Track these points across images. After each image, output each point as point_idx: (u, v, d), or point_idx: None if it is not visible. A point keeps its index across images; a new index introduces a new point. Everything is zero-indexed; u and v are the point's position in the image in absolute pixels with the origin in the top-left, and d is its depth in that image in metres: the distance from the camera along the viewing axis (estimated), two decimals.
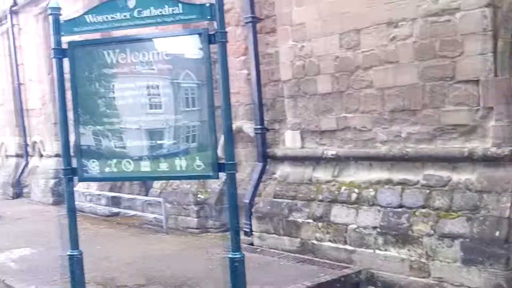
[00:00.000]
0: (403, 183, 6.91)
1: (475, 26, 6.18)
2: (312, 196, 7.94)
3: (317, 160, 8.11)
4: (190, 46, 5.44)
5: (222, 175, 5.40)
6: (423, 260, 6.44)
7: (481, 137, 6.32)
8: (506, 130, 6.12)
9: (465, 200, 6.26)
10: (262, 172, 9.05)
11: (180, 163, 5.49)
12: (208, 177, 5.71)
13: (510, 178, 6.04)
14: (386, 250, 6.83)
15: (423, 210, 6.57)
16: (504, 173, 6.09)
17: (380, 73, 7.21)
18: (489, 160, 6.20)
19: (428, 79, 6.69)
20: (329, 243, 7.56)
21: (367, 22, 7.24)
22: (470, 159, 6.33)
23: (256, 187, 9.01)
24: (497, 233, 5.87)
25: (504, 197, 6.00)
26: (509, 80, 6.13)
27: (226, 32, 5.25)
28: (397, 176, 7.02)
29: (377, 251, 6.93)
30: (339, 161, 7.81)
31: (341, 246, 7.39)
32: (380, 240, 6.89)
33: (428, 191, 6.63)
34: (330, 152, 7.88)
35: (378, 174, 7.25)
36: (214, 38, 5.20)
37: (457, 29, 6.35)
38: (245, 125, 9.67)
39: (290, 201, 8.22)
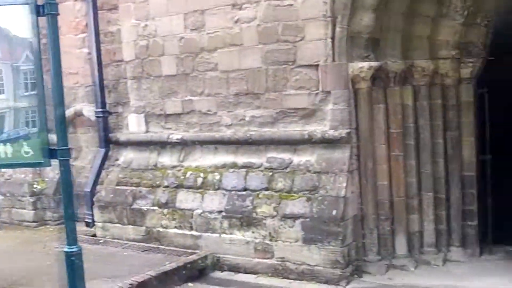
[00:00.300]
0: (248, 166, 6.94)
1: (316, 11, 6.33)
2: (157, 182, 7.65)
3: (162, 145, 7.83)
4: (20, 20, 4.81)
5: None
6: (266, 241, 6.53)
7: (320, 120, 6.54)
8: (343, 113, 6.39)
9: (305, 181, 6.46)
10: (105, 158, 8.53)
11: (6, 150, 4.86)
12: (39, 164, 5.19)
13: (346, 159, 6.34)
14: (231, 233, 6.82)
15: (266, 192, 6.66)
16: (341, 155, 6.38)
17: (224, 56, 7.12)
18: (327, 142, 6.44)
19: (271, 63, 6.74)
20: (175, 230, 7.35)
21: (211, 2, 7.09)
22: (310, 142, 6.53)
23: (98, 174, 8.47)
24: (334, 212, 6.14)
25: (341, 177, 6.28)
26: (346, 65, 6.40)
27: (56, 4, 4.71)
28: (241, 159, 7.02)
29: (223, 235, 6.88)
30: (185, 145, 7.61)
31: (187, 232, 7.23)
32: (226, 224, 6.86)
33: (271, 173, 6.73)
34: (176, 136, 7.65)
35: (223, 157, 7.19)
36: (43, 10, 4.63)
37: (299, 14, 6.47)
38: (86, 108, 9.02)
39: (134, 188, 7.84)
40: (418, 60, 6.61)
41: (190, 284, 6.52)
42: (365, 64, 6.34)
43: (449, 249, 6.82)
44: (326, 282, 6.13)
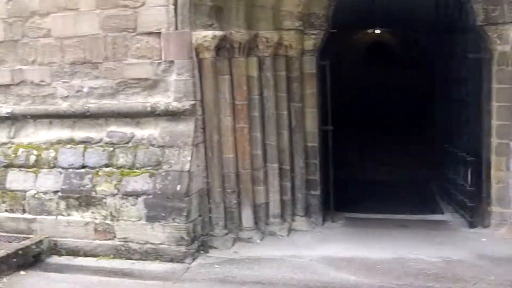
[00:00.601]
0: (86, 142, 6.43)
1: None
2: None
3: None
4: None
5: None
6: (108, 221, 6.13)
7: (163, 92, 6.22)
8: (186, 84, 6.12)
9: (149, 156, 6.13)
10: None
11: None
12: None
13: (190, 132, 6.11)
14: (69, 215, 6.30)
15: (107, 169, 6.22)
16: (185, 127, 6.13)
17: (59, 21, 6.47)
18: (171, 115, 6.16)
19: (110, 30, 6.25)
20: (6, 214, 6.61)
21: None
22: (153, 114, 6.19)
23: None
24: (178, 187, 5.90)
25: (185, 151, 6.05)
26: (189, 33, 6.11)
27: None
28: (79, 134, 6.48)
29: (60, 217, 6.33)
30: (16, 120, 6.83)
31: (19, 215, 6.54)
32: (63, 205, 6.30)
33: (111, 149, 6.29)
34: (5, 110, 6.83)
35: (59, 133, 6.58)
36: None
37: None
38: None
39: None
40: (262, 30, 6.53)
41: (22, 272, 5.91)
42: (209, 33, 6.11)
43: (294, 219, 6.96)
44: (171, 261, 5.91)
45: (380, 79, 19.49)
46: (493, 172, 6.64)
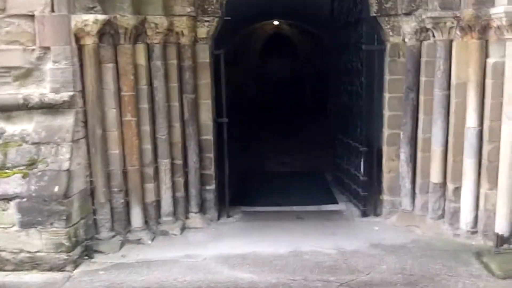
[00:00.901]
0: None
1: None
2: None
3: None
4: None
5: None
6: None
7: (38, 82, 5.57)
8: (65, 73, 5.51)
9: (22, 154, 5.45)
10: None
11: None
12: None
13: (70, 126, 5.53)
14: None
15: None
16: (64, 122, 5.54)
17: None
18: (47, 108, 5.53)
19: None
20: None
21: None
22: (26, 107, 5.52)
23: None
24: (56, 189, 5.31)
25: (64, 147, 5.46)
26: (68, 17, 5.50)
27: None
28: None
29: None
30: None
31: None
32: None
33: None
34: None
35: None
36: None
37: None
38: None
39: None
40: (151, 15, 6.04)
41: None
42: (91, 17, 5.55)
43: (188, 216, 6.62)
44: (51, 269, 5.32)
45: (281, 68, 19.67)
46: (384, 161, 6.73)
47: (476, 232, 5.94)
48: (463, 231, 6.00)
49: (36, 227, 5.31)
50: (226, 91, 6.82)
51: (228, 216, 6.98)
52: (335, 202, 7.75)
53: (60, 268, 5.33)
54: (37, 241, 5.33)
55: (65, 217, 5.30)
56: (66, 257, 5.34)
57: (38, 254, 5.34)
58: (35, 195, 5.31)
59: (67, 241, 5.32)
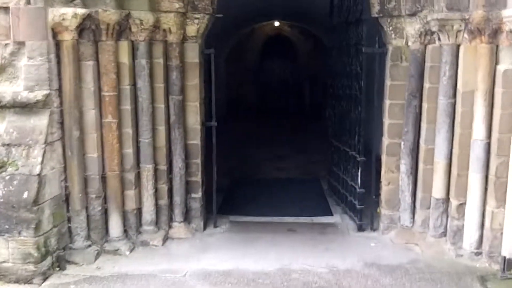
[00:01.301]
0: None
1: None
2: None
3: None
4: None
5: None
6: None
7: (12, 79, 5.21)
8: (40, 70, 5.13)
9: None
10: None
11: None
12: None
13: (43, 127, 5.14)
14: None
15: None
16: (37, 122, 5.15)
17: None
18: (20, 107, 5.15)
19: None
20: None
21: None
22: None
23: None
24: (25, 194, 4.92)
25: (36, 150, 5.07)
26: (45, 10, 5.11)
27: None
28: None
29: None
30: None
31: None
32: None
33: None
34: None
35: None
36: None
37: None
38: None
39: None
40: (136, 10, 5.64)
41: None
42: (69, 11, 5.15)
43: (171, 226, 6.22)
44: (17, 281, 4.95)
45: (280, 71, 19.29)
46: (383, 173, 6.31)
47: (480, 253, 5.48)
48: (466, 251, 5.55)
49: (3, 235, 4.94)
50: (222, 93, 6.42)
51: (215, 226, 6.56)
52: (329, 213, 7.30)
53: (27, 281, 4.95)
54: (3, 250, 4.96)
55: (34, 226, 4.91)
56: (34, 269, 4.95)
57: (4, 264, 4.97)
58: (2, 201, 4.93)
59: (35, 251, 4.93)
